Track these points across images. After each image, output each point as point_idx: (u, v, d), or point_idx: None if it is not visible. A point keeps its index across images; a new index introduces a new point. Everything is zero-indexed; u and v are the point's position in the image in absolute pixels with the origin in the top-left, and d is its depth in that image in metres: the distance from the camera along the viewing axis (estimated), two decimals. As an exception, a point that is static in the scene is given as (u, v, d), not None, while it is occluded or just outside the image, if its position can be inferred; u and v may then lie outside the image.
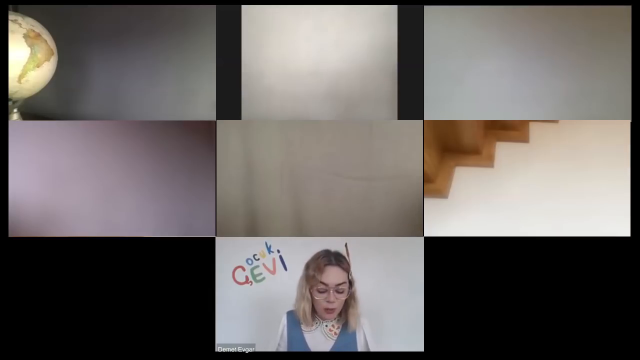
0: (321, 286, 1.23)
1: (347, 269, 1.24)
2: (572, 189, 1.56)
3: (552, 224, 1.45)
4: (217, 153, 1.47)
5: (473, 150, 1.67)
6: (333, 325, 1.26)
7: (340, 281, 1.23)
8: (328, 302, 1.23)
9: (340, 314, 1.26)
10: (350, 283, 1.24)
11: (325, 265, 1.24)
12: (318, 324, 1.26)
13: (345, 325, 1.25)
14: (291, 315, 1.28)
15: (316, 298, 1.23)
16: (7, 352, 1.26)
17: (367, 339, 1.26)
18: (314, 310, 1.25)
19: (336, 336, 1.25)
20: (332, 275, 1.23)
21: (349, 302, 1.24)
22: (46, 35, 1.52)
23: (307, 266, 1.26)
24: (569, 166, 1.63)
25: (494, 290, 1.29)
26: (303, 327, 1.26)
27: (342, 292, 1.23)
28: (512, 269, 1.29)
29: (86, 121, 1.65)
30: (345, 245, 1.27)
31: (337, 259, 1.25)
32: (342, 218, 1.48)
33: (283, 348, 1.26)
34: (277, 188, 1.49)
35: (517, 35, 1.52)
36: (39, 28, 1.51)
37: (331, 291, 1.22)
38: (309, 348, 1.25)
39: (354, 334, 1.25)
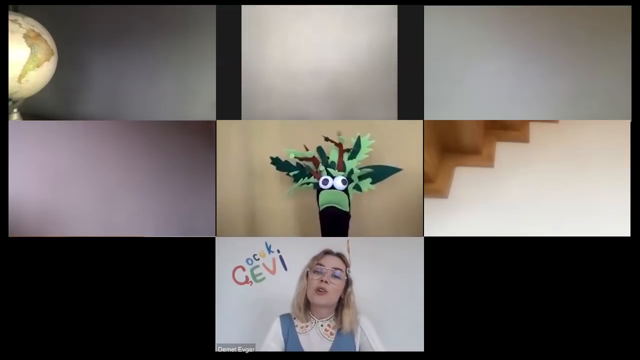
0: (318, 267, 1.24)
1: (345, 262, 1.26)
2: (572, 189, 1.56)
3: (552, 224, 1.45)
4: (217, 153, 1.47)
5: (473, 150, 1.67)
6: (329, 325, 1.25)
7: (338, 265, 1.24)
8: (321, 281, 1.23)
9: (336, 314, 1.25)
10: (348, 281, 1.25)
11: (325, 254, 1.26)
12: (313, 323, 1.25)
13: (340, 327, 1.24)
14: (285, 318, 1.27)
15: (311, 277, 1.24)
16: (7, 352, 1.26)
17: (370, 341, 1.24)
18: (307, 305, 1.24)
19: (333, 337, 1.24)
20: (330, 260, 1.25)
21: (345, 302, 1.24)
22: (46, 35, 1.52)
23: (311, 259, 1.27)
24: (569, 166, 1.63)
25: (493, 290, 1.29)
26: (297, 327, 1.25)
27: (337, 278, 1.23)
28: (512, 269, 1.29)
29: (86, 121, 1.65)
30: (347, 241, 1.30)
31: (338, 253, 1.27)
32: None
33: (276, 349, 1.24)
34: (277, 188, 1.49)
35: (517, 35, 1.52)
36: (39, 28, 1.51)
37: (327, 272, 1.23)
38: (304, 350, 1.24)
39: (350, 336, 1.24)
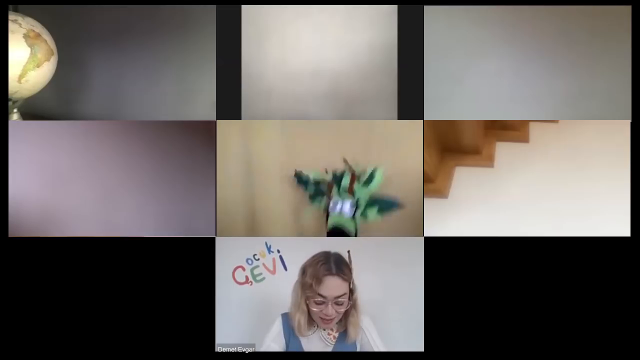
0: (319, 298, 1.17)
1: (348, 279, 1.19)
2: (572, 189, 1.56)
3: (552, 224, 1.45)
4: (217, 153, 1.47)
5: (473, 150, 1.67)
6: (332, 329, 1.24)
7: (340, 293, 1.17)
8: (326, 314, 1.18)
9: (340, 321, 1.23)
10: (352, 291, 1.20)
11: (325, 275, 1.17)
12: (315, 327, 1.24)
13: (344, 333, 1.22)
14: (286, 317, 1.26)
15: (313, 309, 1.18)
16: (7, 352, 1.26)
17: (371, 341, 1.23)
18: (310, 318, 1.22)
19: (335, 340, 1.23)
20: (332, 287, 1.17)
21: (349, 311, 1.21)
22: (46, 35, 1.52)
23: (304, 271, 1.21)
24: (569, 166, 1.64)
25: (493, 290, 1.29)
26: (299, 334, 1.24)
27: (341, 305, 1.18)
28: (512, 269, 1.29)
29: (86, 121, 1.64)
30: (348, 252, 1.23)
31: (338, 267, 1.19)
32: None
33: (277, 349, 1.24)
34: (277, 188, 1.49)
35: (517, 35, 1.52)
36: (39, 28, 1.51)
37: (330, 304, 1.17)
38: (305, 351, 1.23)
39: (353, 344, 1.23)
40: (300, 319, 1.20)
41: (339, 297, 1.17)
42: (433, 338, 1.28)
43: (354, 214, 1.36)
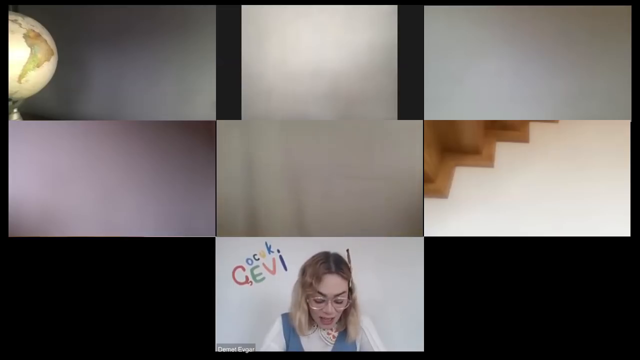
0: (319, 297, 1.18)
1: (347, 277, 1.20)
2: (572, 189, 1.56)
3: (552, 224, 1.45)
4: (217, 153, 1.47)
5: (473, 150, 1.67)
6: (331, 329, 1.24)
7: (340, 291, 1.19)
8: (326, 313, 1.19)
9: (339, 320, 1.23)
10: (351, 290, 1.21)
11: (324, 273, 1.19)
12: (315, 327, 1.24)
13: (344, 332, 1.23)
14: (286, 318, 1.26)
15: (313, 308, 1.19)
16: (7, 352, 1.26)
17: (371, 341, 1.23)
18: (310, 318, 1.22)
19: (334, 339, 1.23)
20: (331, 285, 1.19)
21: (349, 310, 1.21)
22: (46, 35, 1.52)
23: (304, 271, 1.22)
24: (569, 166, 1.64)
25: (494, 290, 1.29)
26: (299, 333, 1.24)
27: (340, 303, 1.19)
28: (512, 269, 1.29)
29: (86, 121, 1.64)
30: (347, 251, 1.24)
31: (337, 266, 1.20)
32: (342, 218, 1.48)
33: (277, 349, 1.24)
34: (277, 188, 1.49)
35: (517, 35, 1.52)
36: (39, 28, 1.51)
37: (329, 302, 1.18)
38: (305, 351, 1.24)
39: (353, 343, 1.23)
40: (301, 317, 1.21)
41: (338, 295, 1.19)
42: (433, 338, 1.28)
43: None
